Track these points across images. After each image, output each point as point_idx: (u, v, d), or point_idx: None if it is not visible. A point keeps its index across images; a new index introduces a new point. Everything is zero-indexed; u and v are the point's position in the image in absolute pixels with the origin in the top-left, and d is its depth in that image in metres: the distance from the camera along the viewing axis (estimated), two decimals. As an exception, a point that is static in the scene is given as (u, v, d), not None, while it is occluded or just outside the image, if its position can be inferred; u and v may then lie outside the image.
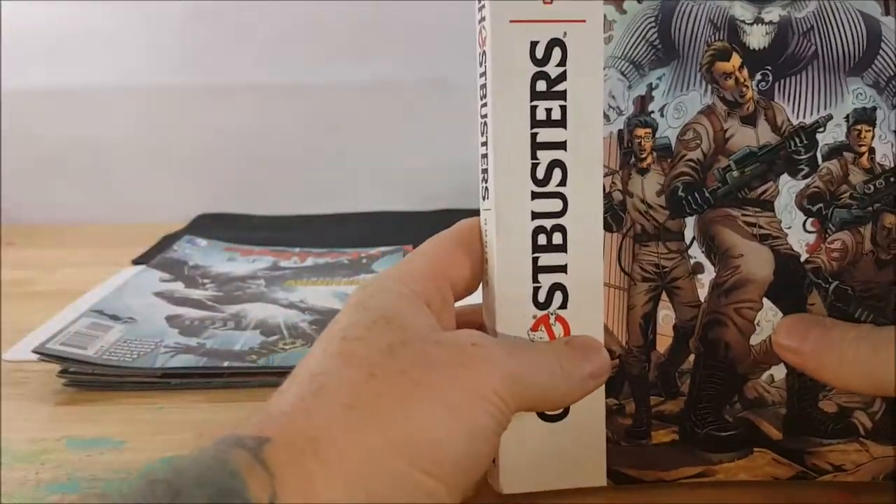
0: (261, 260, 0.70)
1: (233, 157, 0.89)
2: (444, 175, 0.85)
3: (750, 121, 0.32)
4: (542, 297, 0.32)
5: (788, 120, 0.32)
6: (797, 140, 0.32)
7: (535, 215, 0.31)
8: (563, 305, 0.32)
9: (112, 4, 0.85)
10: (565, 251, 0.32)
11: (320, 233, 0.80)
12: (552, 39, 0.30)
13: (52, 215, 0.89)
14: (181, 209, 0.87)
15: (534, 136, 0.31)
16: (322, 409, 0.25)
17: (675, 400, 0.33)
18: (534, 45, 0.30)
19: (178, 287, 0.62)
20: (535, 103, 0.31)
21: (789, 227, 0.32)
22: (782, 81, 0.31)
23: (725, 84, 0.32)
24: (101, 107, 0.87)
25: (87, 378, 0.46)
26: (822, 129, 0.32)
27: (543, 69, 0.31)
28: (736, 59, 0.31)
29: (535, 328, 0.32)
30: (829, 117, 0.31)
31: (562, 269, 0.32)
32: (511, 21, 0.30)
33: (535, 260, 0.32)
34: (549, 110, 0.31)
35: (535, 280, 0.32)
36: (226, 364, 0.47)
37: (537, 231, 0.31)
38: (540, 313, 0.32)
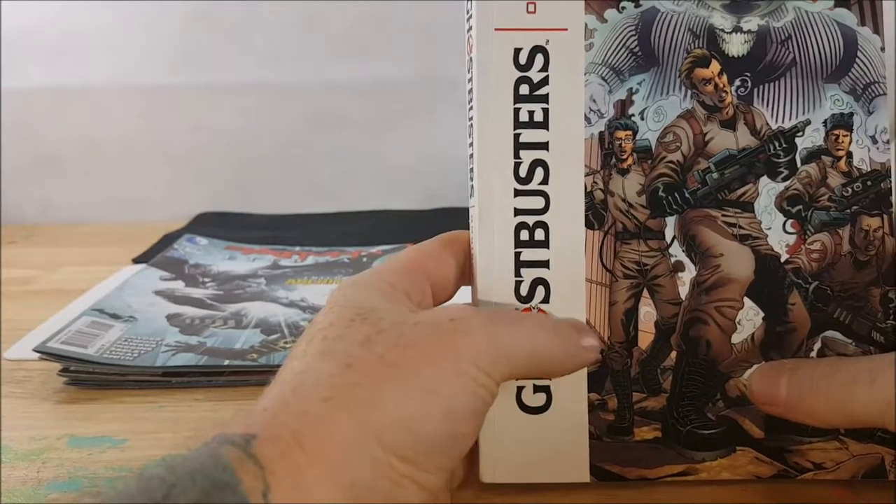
0: (261, 258, 0.70)
1: (233, 156, 0.89)
2: (445, 174, 0.85)
3: (729, 125, 0.33)
4: (524, 291, 0.33)
5: (767, 124, 0.32)
6: (776, 143, 0.32)
7: (517, 212, 0.32)
8: (546, 300, 0.33)
9: (112, 4, 0.85)
10: (547, 247, 0.33)
11: (320, 231, 0.80)
12: (535, 46, 0.32)
13: (52, 215, 0.89)
14: (181, 208, 0.87)
15: (517, 136, 0.32)
16: (300, 403, 0.26)
17: (657, 396, 0.34)
18: (517, 51, 0.32)
19: (179, 286, 0.62)
20: (518, 106, 0.32)
21: (769, 228, 0.33)
22: (761, 87, 0.32)
23: (705, 89, 0.32)
24: (100, 106, 0.88)
25: (87, 377, 0.46)
26: (800, 134, 0.32)
27: (526, 74, 0.32)
28: (715, 66, 0.32)
29: None
30: (808, 122, 0.32)
31: (544, 264, 0.33)
32: (496, 29, 0.31)
33: (517, 255, 0.32)
34: (531, 112, 0.32)
35: (517, 274, 0.33)
36: (226, 363, 0.47)
37: (520, 227, 0.32)
38: (522, 306, 0.33)
